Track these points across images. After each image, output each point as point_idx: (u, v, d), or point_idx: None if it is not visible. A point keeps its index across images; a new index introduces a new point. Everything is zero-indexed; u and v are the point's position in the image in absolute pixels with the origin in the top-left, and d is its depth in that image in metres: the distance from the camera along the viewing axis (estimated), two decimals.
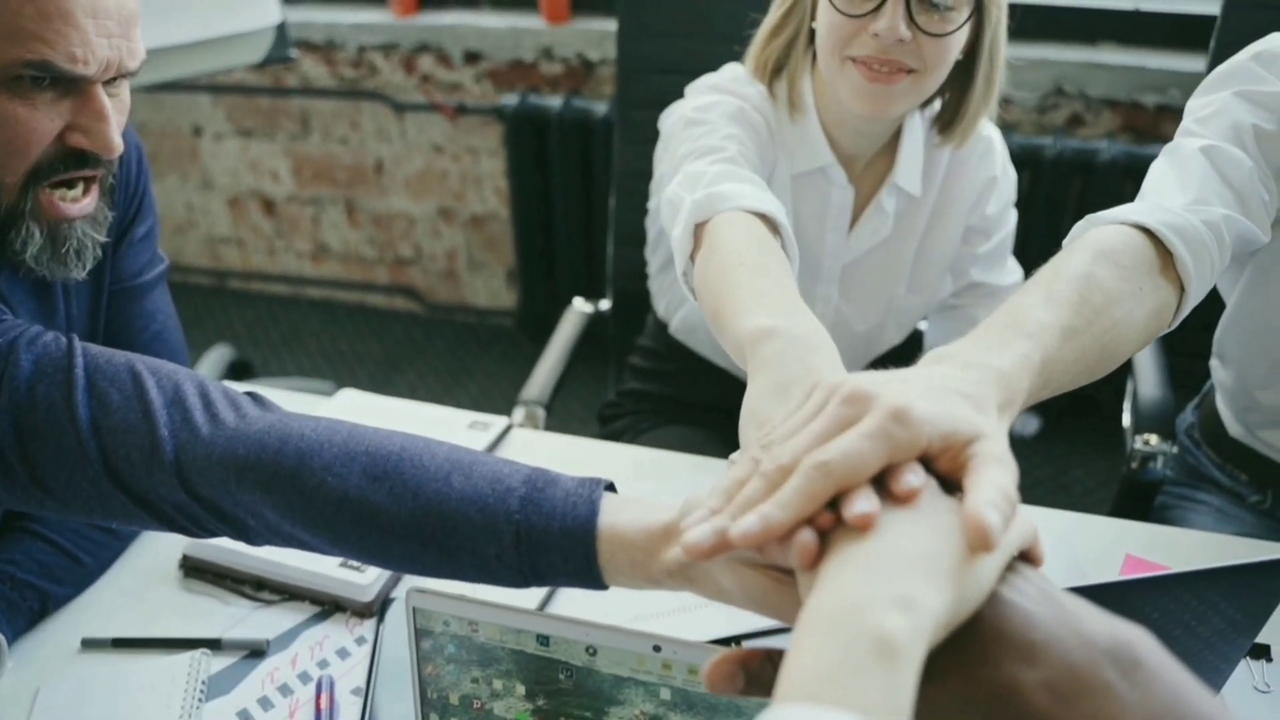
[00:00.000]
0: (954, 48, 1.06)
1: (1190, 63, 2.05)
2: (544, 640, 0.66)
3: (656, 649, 0.63)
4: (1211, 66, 1.22)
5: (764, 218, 0.92)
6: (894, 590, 0.44)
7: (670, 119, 1.16)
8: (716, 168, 1.01)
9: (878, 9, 1.03)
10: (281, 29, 1.90)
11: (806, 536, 0.49)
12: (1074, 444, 2.40)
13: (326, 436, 0.66)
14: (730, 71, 1.19)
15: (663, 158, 1.14)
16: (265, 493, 0.66)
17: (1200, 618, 0.70)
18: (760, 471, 0.52)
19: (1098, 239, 0.82)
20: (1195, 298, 0.85)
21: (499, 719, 0.69)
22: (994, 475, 0.49)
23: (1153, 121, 2.14)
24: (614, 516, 0.61)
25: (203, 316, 2.96)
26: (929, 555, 0.45)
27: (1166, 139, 0.98)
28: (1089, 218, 0.86)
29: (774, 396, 0.66)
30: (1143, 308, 0.80)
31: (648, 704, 0.65)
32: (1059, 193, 2.11)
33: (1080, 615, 0.46)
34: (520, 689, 0.68)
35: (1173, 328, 0.87)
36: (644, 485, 1.12)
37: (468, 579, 0.64)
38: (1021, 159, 1.33)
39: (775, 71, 1.16)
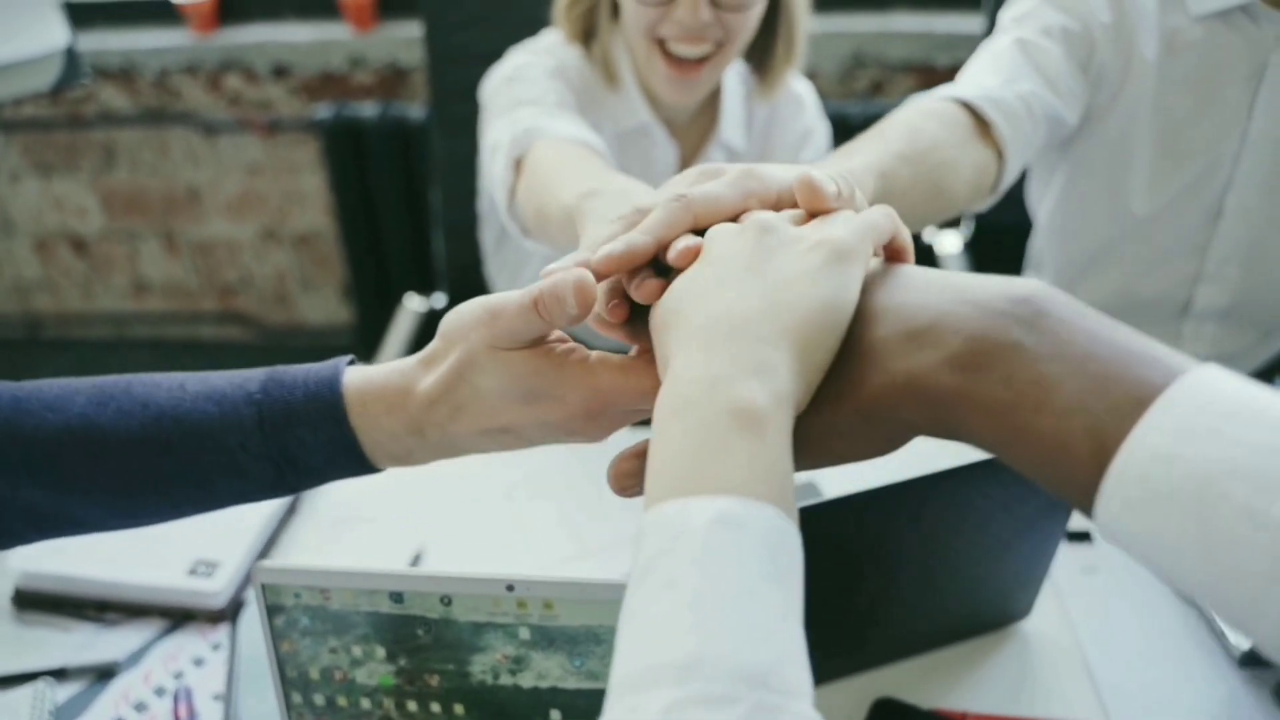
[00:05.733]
0: (756, 14, 1.10)
1: (972, 23, 2.17)
2: (397, 598, 0.65)
3: (510, 588, 0.64)
4: (989, 24, 1.32)
5: (583, 145, 0.94)
6: (742, 358, 0.42)
7: (489, 81, 1.17)
8: (536, 110, 1.02)
9: None
10: (71, 53, 1.82)
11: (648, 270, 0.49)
12: None
13: (46, 383, 0.59)
14: (548, 37, 1.21)
15: (485, 119, 1.15)
16: None
17: (1020, 499, 0.75)
18: (617, 218, 0.53)
19: (918, 106, 0.91)
20: (1013, 164, 0.94)
21: (362, 686, 0.69)
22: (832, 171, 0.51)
23: (947, 81, 2.25)
24: (361, 371, 0.57)
25: (19, 368, 2.80)
26: (770, 310, 0.43)
27: None
28: (911, 97, 0.95)
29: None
30: (967, 157, 0.88)
31: (508, 647, 0.65)
32: None
33: (969, 285, 0.44)
34: (380, 652, 0.67)
35: (996, 197, 0.96)
36: (494, 464, 1.12)
37: (219, 493, 0.58)
38: (830, 124, 1.41)
39: (588, 37, 1.18)
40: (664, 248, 0.50)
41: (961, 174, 0.87)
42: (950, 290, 0.43)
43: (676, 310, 0.46)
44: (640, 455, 0.50)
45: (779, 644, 0.35)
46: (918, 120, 0.87)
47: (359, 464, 0.56)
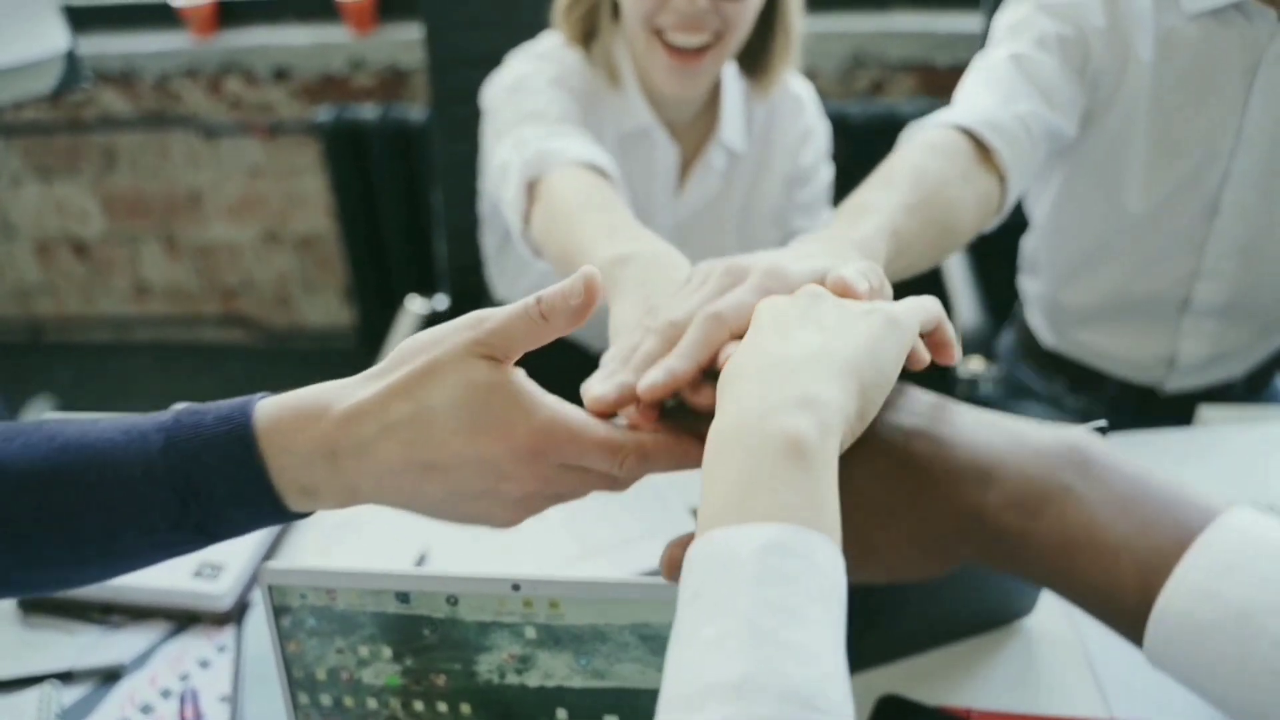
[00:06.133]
0: (754, 5, 1.11)
1: (972, 22, 2.18)
2: (404, 597, 0.66)
3: (516, 588, 0.64)
4: (988, 24, 1.32)
5: (594, 169, 0.94)
6: (792, 392, 0.44)
7: (491, 90, 1.17)
8: (543, 129, 1.03)
9: None
10: (71, 57, 1.82)
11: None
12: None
13: None
14: (548, 40, 1.22)
15: (488, 131, 1.15)
16: None
17: None
18: (653, 330, 0.55)
19: (921, 140, 0.92)
20: (1016, 186, 0.95)
21: (369, 686, 0.69)
22: (859, 264, 0.55)
23: (947, 81, 2.26)
24: (286, 393, 0.55)
25: (21, 373, 2.80)
26: (821, 353, 0.46)
27: None
28: (911, 125, 0.96)
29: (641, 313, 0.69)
30: (971, 190, 0.89)
31: (514, 646, 0.66)
32: (868, 154, 2.20)
33: (1025, 431, 0.48)
34: (386, 652, 0.68)
35: (1002, 218, 0.97)
36: None
37: (122, 534, 0.54)
38: (830, 124, 1.41)
39: (589, 39, 1.18)
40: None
41: (968, 209, 0.89)
42: (1007, 434, 0.47)
43: (732, 370, 0.48)
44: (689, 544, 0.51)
45: (825, 666, 0.36)
46: (921, 160, 0.88)
47: (267, 497, 0.53)
